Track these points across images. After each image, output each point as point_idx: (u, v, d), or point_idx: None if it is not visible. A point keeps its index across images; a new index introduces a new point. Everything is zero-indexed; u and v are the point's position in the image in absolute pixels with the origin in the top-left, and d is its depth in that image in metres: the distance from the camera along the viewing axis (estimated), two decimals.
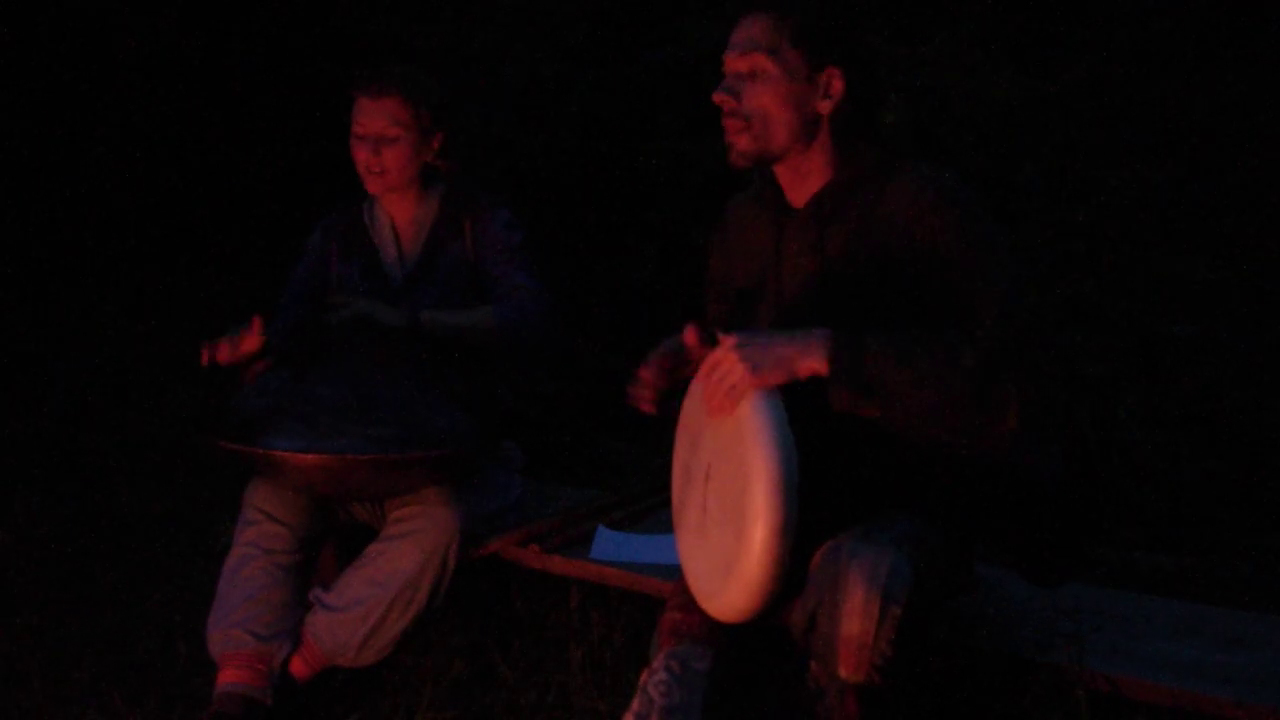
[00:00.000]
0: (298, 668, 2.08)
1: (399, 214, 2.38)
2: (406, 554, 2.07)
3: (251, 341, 2.12)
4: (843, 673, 1.42)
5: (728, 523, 1.48)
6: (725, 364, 1.49)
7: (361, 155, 2.28)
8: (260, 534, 2.11)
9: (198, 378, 2.17)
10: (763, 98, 1.63)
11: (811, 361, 1.48)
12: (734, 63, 1.65)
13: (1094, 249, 3.11)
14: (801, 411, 1.46)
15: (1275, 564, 2.45)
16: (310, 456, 1.99)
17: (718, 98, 1.66)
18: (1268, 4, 3.24)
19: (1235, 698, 1.55)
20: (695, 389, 1.67)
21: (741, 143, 1.65)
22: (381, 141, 2.26)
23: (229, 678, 2.02)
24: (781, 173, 1.70)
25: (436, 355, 2.24)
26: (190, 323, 4.67)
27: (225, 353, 2.13)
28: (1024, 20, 3.47)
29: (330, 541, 2.29)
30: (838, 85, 1.62)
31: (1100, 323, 3.01)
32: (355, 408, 2.22)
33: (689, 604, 1.64)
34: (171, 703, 2.12)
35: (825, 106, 1.63)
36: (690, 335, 1.62)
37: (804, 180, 1.69)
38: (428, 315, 2.19)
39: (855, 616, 1.40)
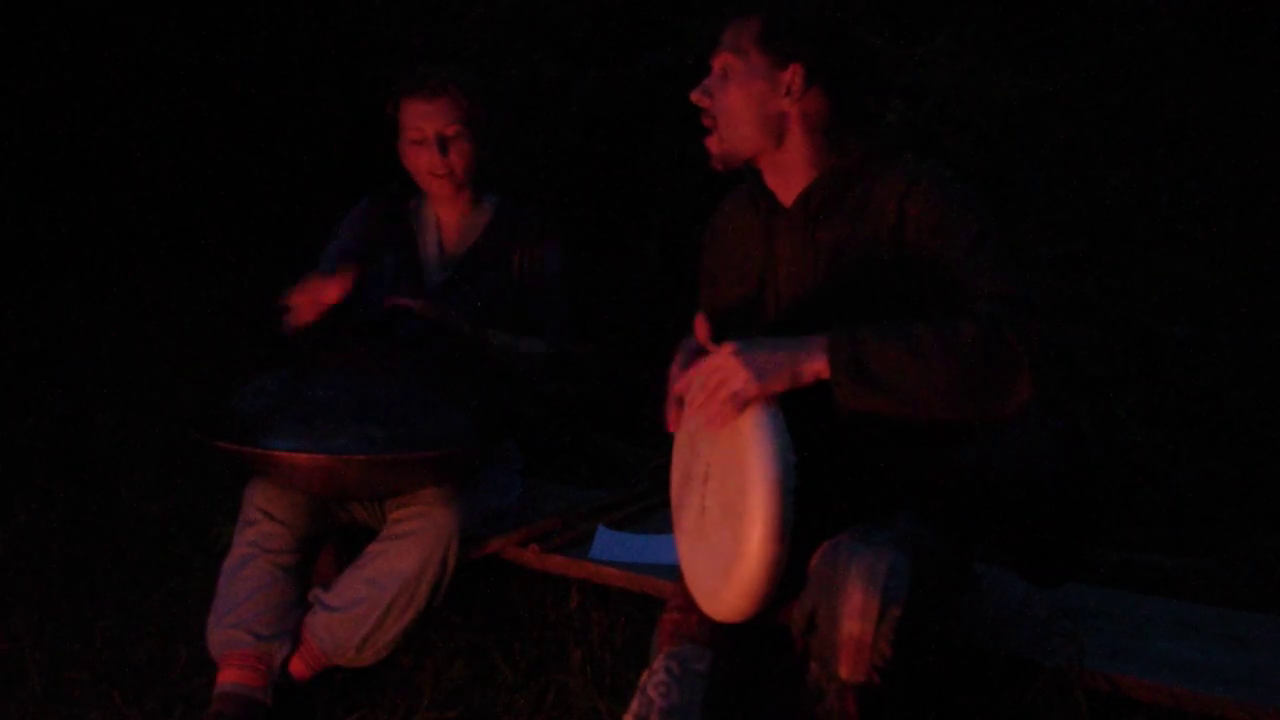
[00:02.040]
0: (298, 668, 2.08)
1: (447, 217, 2.38)
2: (406, 554, 2.07)
3: (335, 289, 2.06)
4: (842, 673, 1.42)
5: (726, 524, 1.48)
6: (725, 369, 1.46)
7: (424, 159, 2.27)
8: (260, 534, 2.11)
9: (198, 378, 2.16)
10: (729, 97, 1.66)
11: (814, 364, 1.47)
12: (713, 63, 1.69)
13: (1094, 249, 3.12)
14: (800, 412, 1.46)
15: (1275, 564, 2.45)
16: (309, 456, 1.99)
17: (694, 96, 1.69)
18: (1268, 4, 3.24)
19: (1235, 698, 1.55)
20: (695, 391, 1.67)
21: (711, 144, 1.69)
22: (446, 140, 2.26)
23: (229, 678, 2.01)
24: (765, 172, 1.71)
25: (436, 356, 2.24)
26: (190, 323, 4.69)
27: (309, 307, 2.09)
28: (1024, 20, 3.47)
29: (330, 541, 2.29)
30: (799, 83, 1.63)
31: (1100, 323, 3.01)
32: (354, 408, 2.22)
33: (689, 605, 1.64)
34: (171, 703, 2.12)
35: (788, 104, 1.64)
36: (701, 328, 1.58)
37: (788, 178, 1.69)
38: (494, 335, 2.20)
39: (854, 617, 1.40)
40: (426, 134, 2.26)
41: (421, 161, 2.29)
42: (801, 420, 1.45)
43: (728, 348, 1.48)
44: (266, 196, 5.61)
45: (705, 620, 1.61)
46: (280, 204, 5.30)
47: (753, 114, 1.65)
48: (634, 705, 1.61)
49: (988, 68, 3.32)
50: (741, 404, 1.46)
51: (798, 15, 1.64)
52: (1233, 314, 2.99)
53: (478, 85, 2.30)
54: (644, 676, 1.64)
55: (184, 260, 5.86)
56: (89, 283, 5.72)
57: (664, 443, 1.77)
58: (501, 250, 2.34)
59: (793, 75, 1.63)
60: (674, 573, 1.76)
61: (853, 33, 1.68)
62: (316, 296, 2.09)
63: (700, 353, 1.59)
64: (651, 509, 2.40)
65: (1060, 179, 3.23)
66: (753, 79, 1.64)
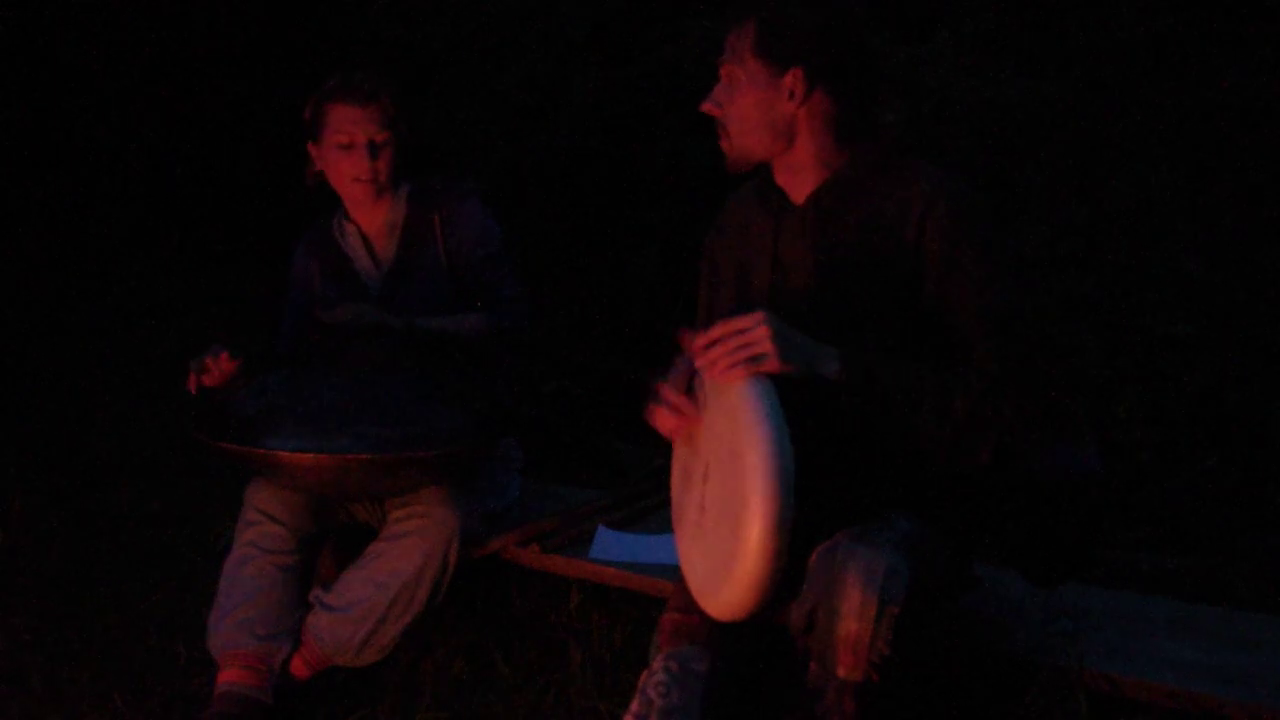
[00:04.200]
0: (298, 668, 2.08)
1: (368, 221, 2.35)
2: (407, 554, 2.07)
3: (227, 365, 2.11)
4: (841, 672, 1.42)
5: (725, 521, 1.48)
6: (757, 334, 1.48)
7: (350, 164, 2.25)
8: (260, 534, 2.11)
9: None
10: (736, 105, 1.67)
11: (827, 369, 1.51)
12: (720, 71, 1.69)
13: (1094, 249, 3.11)
14: (800, 411, 1.46)
15: (1275, 564, 2.45)
16: (309, 456, 1.99)
17: (704, 107, 1.70)
18: (1267, 4, 3.24)
19: (1235, 698, 1.55)
20: (696, 390, 1.67)
21: (725, 148, 1.70)
22: (376, 147, 2.24)
23: (229, 677, 2.01)
24: (776, 170, 1.71)
25: (435, 356, 2.24)
26: (190, 323, 4.69)
27: (211, 378, 2.13)
28: (1024, 20, 3.47)
29: (330, 541, 2.29)
30: (800, 87, 1.63)
31: (1100, 323, 3.01)
32: (355, 408, 2.22)
33: (689, 605, 1.64)
34: (171, 703, 2.12)
35: (794, 108, 1.64)
36: (687, 339, 1.61)
37: (799, 178, 1.69)
38: (423, 322, 2.18)
39: (853, 616, 1.40)
40: (357, 140, 2.23)
41: (347, 167, 2.25)
42: (801, 419, 1.45)
43: (760, 314, 1.49)
44: (264, 197, 5.61)
45: (705, 620, 1.61)
46: (278, 204, 5.29)
47: (761, 121, 1.65)
48: (634, 705, 1.61)
49: (988, 68, 3.32)
50: (759, 365, 1.46)
51: (792, 20, 1.62)
52: (1233, 314, 2.98)
53: (401, 91, 2.29)
54: (643, 676, 1.64)
55: (183, 260, 5.86)
56: (89, 283, 5.73)
57: (664, 443, 1.77)
58: (425, 232, 2.31)
59: (793, 80, 1.63)
60: (674, 573, 1.76)
61: (852, 31, 1.67)
62: (217, 377, 2.13)
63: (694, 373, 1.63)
64: (651, 509, 2.40)
65: (1060, 179, 3.23)
66: (755, 87, 1.64)
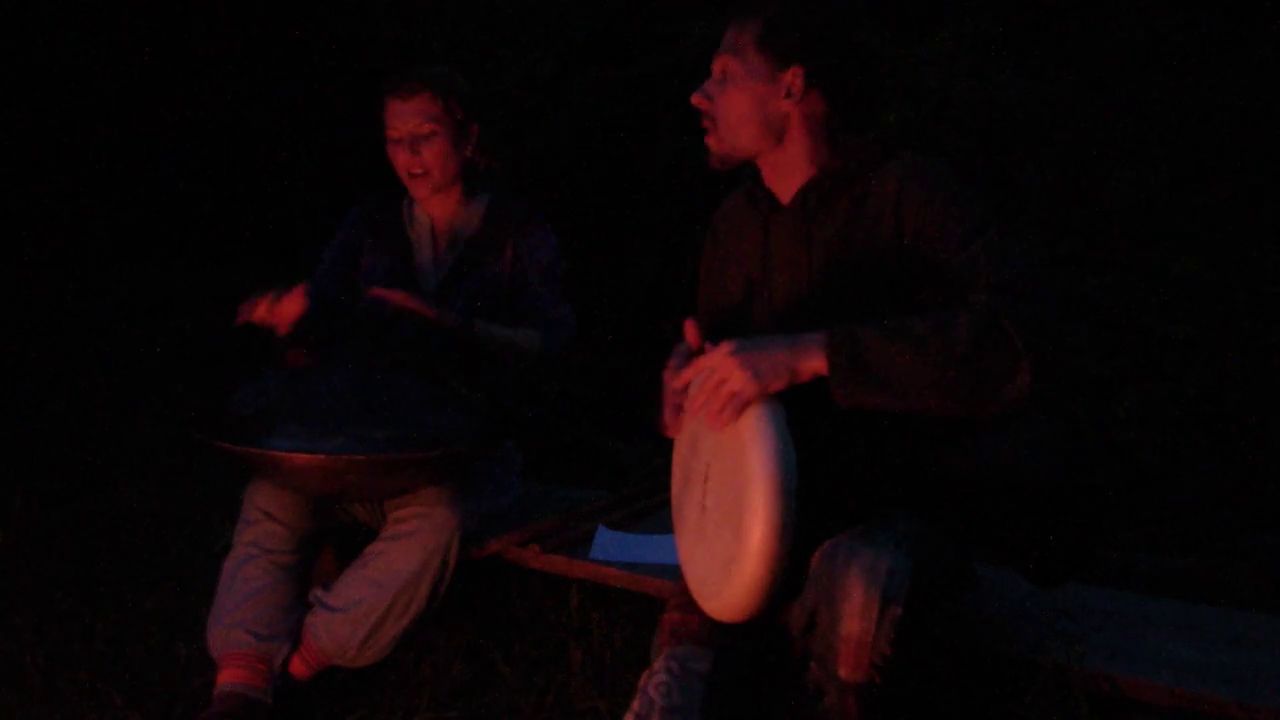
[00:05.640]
0: (298, 668, 2.08)
1: (439, 216, 2.38)
2: (406, 554, 2.07)
3: (294, 304, 2.09)
4: (842, 673, 1.42)
5: (726, 523, 1.48)
6: (723, 370, 1.46)
7: (401, 158, 2.29)
8: (260, 534, 2.11)
9: (198, 378, 2.17)
10: (729, 99, 1.67)
11: (811, 362, 1.46)
12: (713, 66, 1.70)
13: (1094, 249, 3.12)
14: (801, 411, 1.46)
15: (1275, 564, 2.45)
16: (309, 457, 1.99)
17: (694, 99, 1.70)
18: (1267, 5, 3.24)
19: (1236, 698, 1.55)
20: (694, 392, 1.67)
21: (710, 144, 1.70)
22: (418, 140, 2.26)
23: (229, 677, 2.01)
24: (764, 171, 1.72)
25: (436, 357, 2.24)
26: (190, 323, 4.70)
27: (263, 309, 2.10)
28: (1024, 20, 3.47)
29: (330, 541, 2.29)
30: (799, 85, 1.64)
31: (1100, 323, 3.01)
32: (354, 408, 2.22)
33: (689, 605, 1.64)
34: (171, 703, 2.12)
35: (789, 105, 1.65)
36: (690, 332, 1.59)
37: (786, 177, 1.70)
38: (480, 325, 2.18)
39: (855, 616, 1.40)
40: (401, 133, 2.27)
41: (399, 161, 2.30)
42: (802, 419, 1.45)
43: (725, 347, 1.47)
44: (266, 195, 5.62)
45: (706, 620, 1.61)
46: (280, 203, 5.30)
47: (754, 115, 1.66)
48: (635, 705, 1.61)
49: (988, 68, 3.32)
50: (741, 404, 1.45)
51: (798, 18, 1.64)
52: (1233, 314, 2.99)
53: (457, 85, 2.31)
54: (644, 677, 1.64)
55: (184, 260, 5.86)
56: (88, 283, 5.73)
57: (664, 443, 1.77)
58: (495, 245, 2.34)
59: (793, 77, 1.64)
60: (674, 573, 1.76)
61: (852, 35, 1.68)
62: (274, 310, 2.10)
63: (693, 356, 1.58)
64: (651, 509, 2.40)
65: (1060, 179, 3.23)
66: (753, 81, 1.65)
